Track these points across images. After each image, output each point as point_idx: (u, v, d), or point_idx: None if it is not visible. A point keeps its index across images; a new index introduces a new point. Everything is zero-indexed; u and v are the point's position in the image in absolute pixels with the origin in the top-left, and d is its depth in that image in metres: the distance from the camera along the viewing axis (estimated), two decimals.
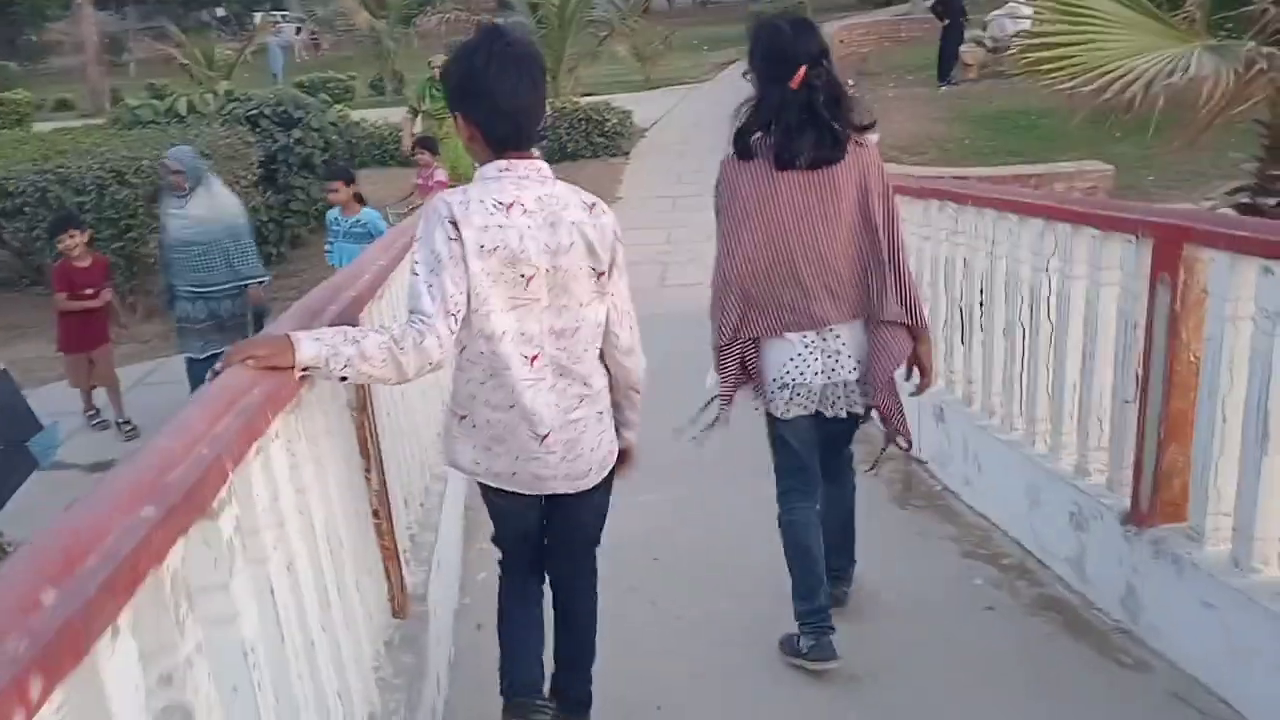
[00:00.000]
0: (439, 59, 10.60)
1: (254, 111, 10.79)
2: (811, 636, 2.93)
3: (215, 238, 5.87)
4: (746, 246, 2.75)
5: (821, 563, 2.97)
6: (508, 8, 18.61)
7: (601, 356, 2.34)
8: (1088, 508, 3.20)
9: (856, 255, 2.76)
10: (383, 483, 2.63)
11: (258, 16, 37.89)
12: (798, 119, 2.65)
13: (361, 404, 2.54)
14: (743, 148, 2.75)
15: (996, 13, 19.05)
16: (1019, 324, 3.65)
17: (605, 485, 2.45)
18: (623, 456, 2.48)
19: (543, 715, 2.49)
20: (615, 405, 2.42)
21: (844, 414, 2.86)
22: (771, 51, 2.72)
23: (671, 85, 23.14)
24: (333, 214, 6.67)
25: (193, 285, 5.95)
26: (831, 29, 25.93)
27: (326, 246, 6.77)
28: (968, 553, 3.68)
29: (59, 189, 8.56)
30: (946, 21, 18.51)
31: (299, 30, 34.39)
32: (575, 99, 16.18)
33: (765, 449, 3.04)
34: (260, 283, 6.16)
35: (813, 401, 2.83)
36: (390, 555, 2.63)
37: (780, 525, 3.01)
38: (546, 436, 2.24)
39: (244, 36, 22.97)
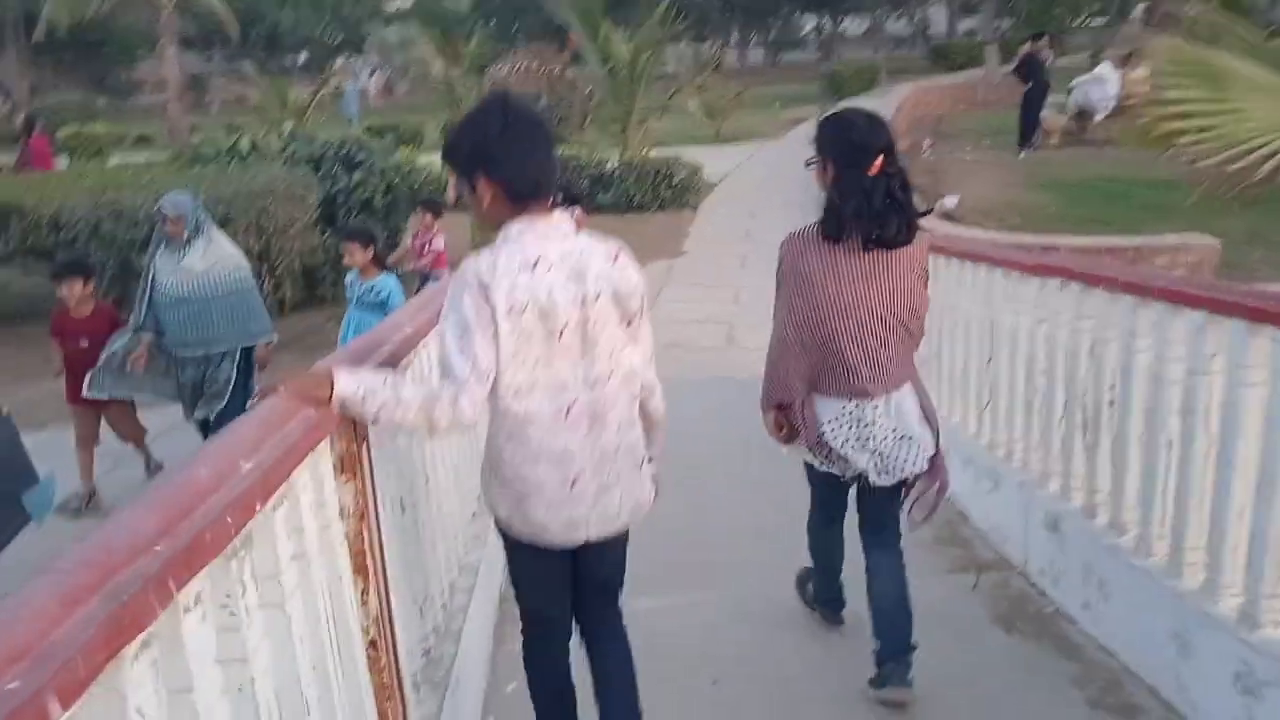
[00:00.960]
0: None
1: (318, 153, 10.57)
2: (829, 609, 3.52)
3: (215, 294, 5.33)
4: (810, 317, 2.94)
5: (839, 560, 3.42)
6: (579, 61, 18.45)
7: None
8: (1262, 670, 2.57)
9: (908, 331, 3.01)
10: (385, 604, 2.12)
11: (338, 62, 38.58)
12: (881, 204, 2.84)
13: (360, 510, 2.04)
14: (833, 229, 2.89)
15: (1081, 79, 18.47)
16: (1164, 431, 3.05)
17: (626, 531, 2.47)
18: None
19: None
20: (645, 434, 2.47)
21: (883, 481, 3.02)
22: (851, 142, 2.92)
23: (741, 141, 22.82)
24: (351, 276, 6.16)
25: (187, 346, 5.38)
26: (906, 91, 25.59)
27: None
28: (1093, 700, 3.05)
29: (112, 224, 8.34)
30: (1029, 85, 17.91)
31: (373, 73, 34.85)
32: (644, 152, 15.85)
33: None
34: (268, 343, 5.67)
35: (824, 458, 3.06)
36: (388, 693, 2.11)
37: (809, 532, 3.43)
38: (576, 481, 2.26)
39: (319, 80, 23.16)
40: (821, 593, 3.56)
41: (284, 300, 9.90)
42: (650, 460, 2.47)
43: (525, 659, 2.60)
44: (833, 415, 2.99)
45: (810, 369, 2.99)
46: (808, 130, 3.35)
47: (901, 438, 2.98)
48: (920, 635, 3.15)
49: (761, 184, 16.64)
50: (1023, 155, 17.42)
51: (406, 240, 8.52)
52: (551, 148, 2.30)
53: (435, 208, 8.34)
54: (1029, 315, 3.96)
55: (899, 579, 3.18)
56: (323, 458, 1.93)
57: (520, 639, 2.61)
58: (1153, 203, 13.87)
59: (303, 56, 46.73)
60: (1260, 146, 3.77)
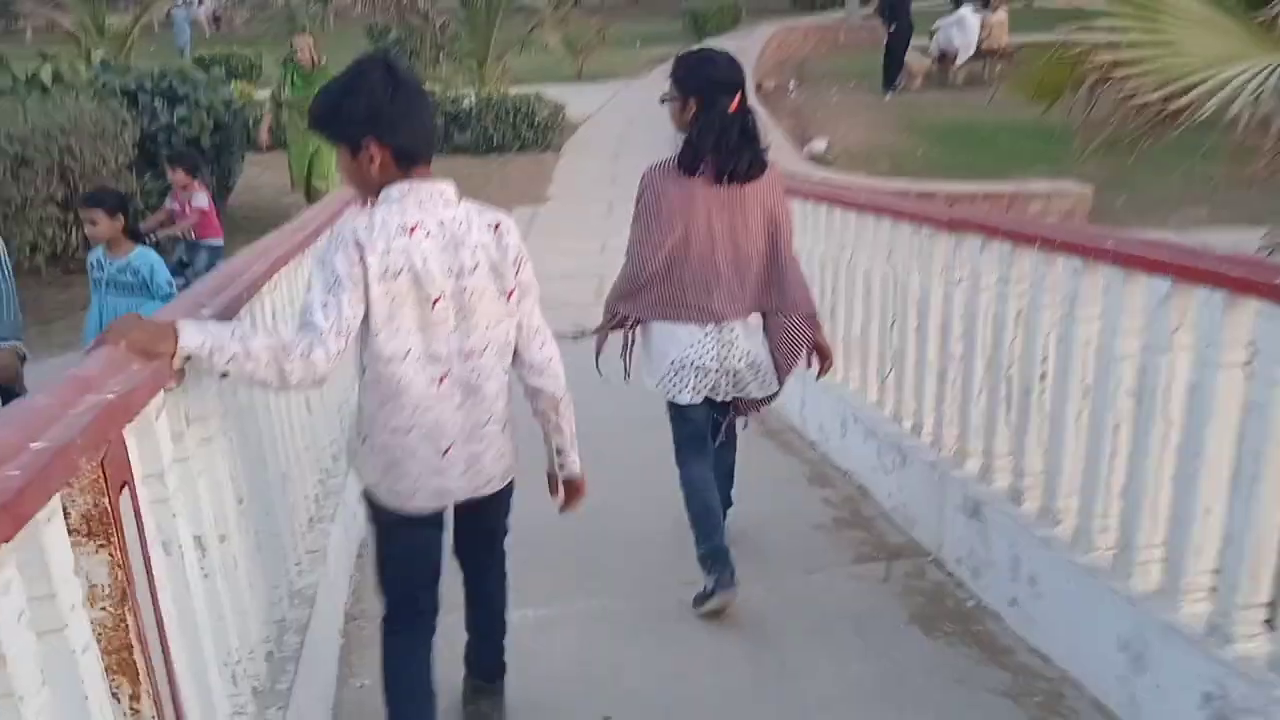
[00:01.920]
0: (303, 40, 9.67)
1: (133, 85, 9.39)
2: (714, 573, 3.23)
3: None
4: (668, 246, 3.09)
5: (718, 513, 3.35)
6: None
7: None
8: (1237, 694, 2.23)
9: (761, 260, 3.18)
10: (166, 699, 1.52)
11: None
12: (737, 140, 3.04)
13: (120, 593, 1.43)
14: (689, 162, 3.06)
15: (943, 21, 18.45)
16: (1111, 412, 2.68)
17: (506, 494, 2.46)
18: (570, 487, 2.56)
19: None
20: (544, 432, 2.50)
21: (729, 399, 3.30)
22: (713, 79, 3.07)
23: (604, 80, 22.04)
24: (94, 256, 4.92)
25: None
26: (768, 31, 25.24)
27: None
28: None
29: None
30: (893, 27, 17.80)
31: (201, 2, 32.26)
32: (503, 89, 14.99)
33: None
34: (13, 346, 3.95)
35: (704, 385, 3.21)
36: None
37: (681, 483, 3.37)
38: (449, 450, 2.25)
39: (141, 5, 21.05)
40: (705, 544, 3.27)
41: None
42: (562, 453, 2.52)
43: (384, 655, 2.41)
44: (692, 340, 3.17)
45: (666, 295, 3.15)
46: (669, 70, 3.24)
47: (753, 363, 3.21)
48: (831, 640, 3.09)
49: (626, 125, 16.00)
50: (888, 98, 17.35)
51: (169, 205, 7.42)
52: (431, 109, 2.29)
53: (188, 161, 7.32)
54: (943, 276, 3.56)
55: (732, 464, 3.62)
56: (52, 525, 1.31)
57: (380, 637, 2.42)
58: (1017, 148, 13.92)
59: None
60: (1200, 82, 3.43)
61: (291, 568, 2.72)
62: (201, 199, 7.27)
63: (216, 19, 33.65)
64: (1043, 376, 3.02)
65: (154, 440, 1.72)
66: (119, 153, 8.35)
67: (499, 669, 2.73)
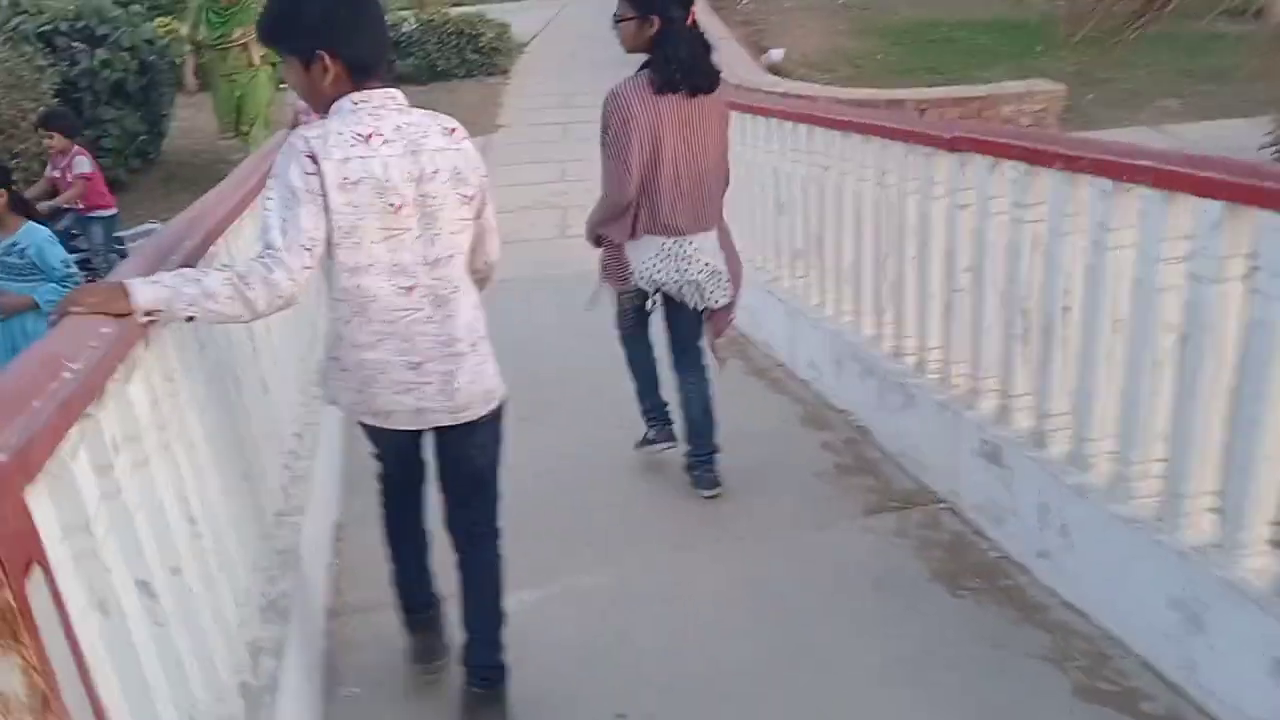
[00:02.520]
0: None
1: (47, 26, 8.73)
2: (655, 426, 3.70)
3: None
4: (638, 163, 3.15)
5: (654, 366, 3.67)
6: None
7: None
8: None
9: (716, 173, 3.32)
10: None
11: None
12: (698, 52, 3.13)
13: (40, 701, 1.15)
14: (669, 78, 3.11)
15: None
16: (1150, 349, 2.44)
17: (492, 424, 2.39)
18: None
19: (430, 614, 2.69)
20: None
21: (694, 307, 3.39)
22: None
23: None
24: None
25: None
26: None
27: None
28: (1082, 687, 2.48)
29: None
30: None
31: None
32: (444, 10, 14.30)
33: None
34: None
35: (650, 288, 3.37)
36: None
37: (624, 348, 3.65)
38: (422, 364, 2.20)
39: None
40: (648, 404, 3.72)
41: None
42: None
43: (382, 507, 2.60)
44: (655, 251, 3.29)
45: (640, 216, 3.25)
46: None
47: (713, 272, 3.33)
48: (852, 604, 2.91)
49: (575, 42, 15.36)
50: (842, 0, 16.79)
51: (49, 173, 6.86)
52: (384, 19, 2.24)
53: (62, 123, 6.71)
54: (944, 200, 3.28)
55: (705, 393, 3.56)
56: None
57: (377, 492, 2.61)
58: (977, 46, 13.59)
59: None
60: None
61: (260, 579, 2.43)
62: (84, 164, 6.75)
63: None
64: (1066, 309, 2.77)
65: (71, 486, 1.41)
66: (38, 102, 7.77)
67: (499, 672, 2.51)
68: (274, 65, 8.44)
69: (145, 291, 1.80)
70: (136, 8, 9.82)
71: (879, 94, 8.70)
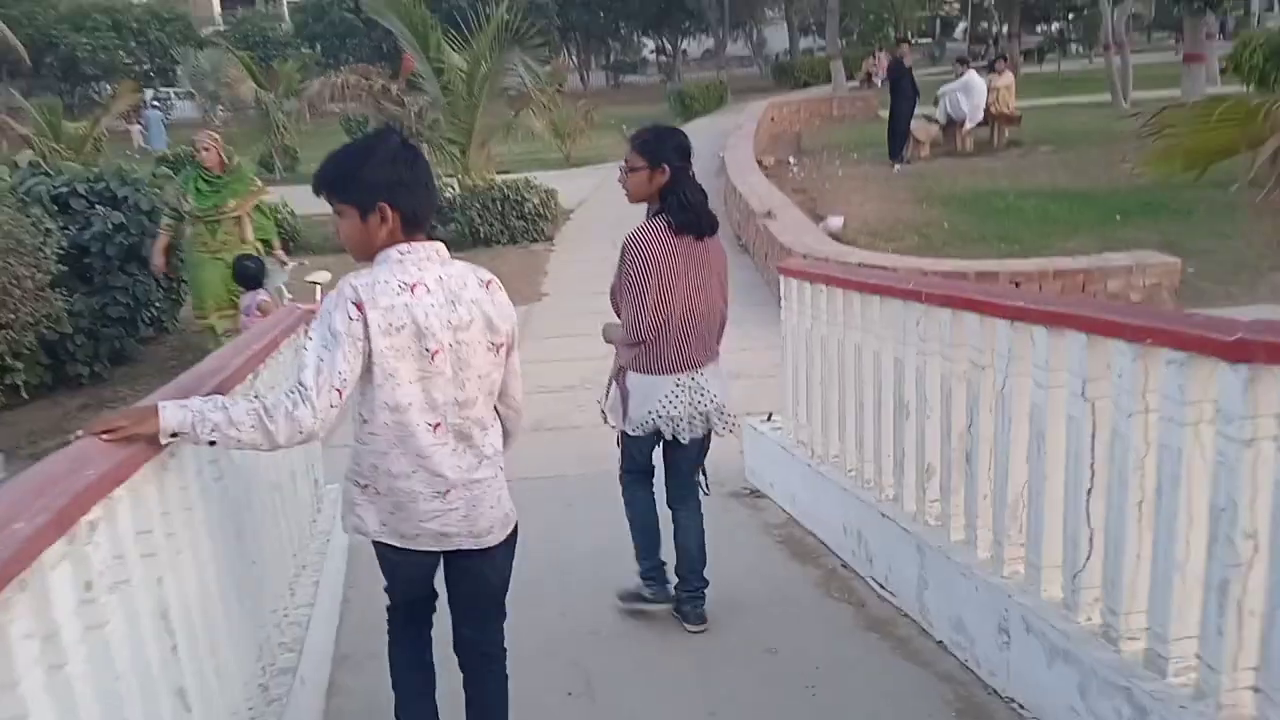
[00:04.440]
0: (207, 137, 7.54)
1: (64, 189, 8.15)
2: (653, 585, 3.73)
3: None
4: (653, 305, 3.37)
5: (656, 521, 3.72)
6: (415, 88, 16.24)
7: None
8: None
9: (718, 308, 3.56)
10: None
11: (149, 93, 34.98)
12: (703, 199, 3.45)
13: None
14: (692, 223, 3.41)
15: (948, 87, 17.58)
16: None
17: (508, 547, 2.54)
18: None
19: None
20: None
21: (699, 435, 3.57)
22: (683, 147, 3.44)
23: (592, 164, 21.05)
24: None
25: None
26: (761, 107, 24.45)
27: None
28: None
29: None
30: (895, 96, 16.88)
31: (165, 100, 31.43)
32: (490, 176, 13.86)
33: None
34: None
35: (668, 428, 3.51)
36: None
37: (626, 504, 3.74)
38: (448, 493, 2.35)
39: (105, 107, 20.02)
40: (648, 560, 3.71)
41: (18, 387, 7.47)
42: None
43: (389, 642, 2.64)
44: (670, 388, 3.47)
45: (654, 351, 3.44)
46: (632, 145, 3.49)
47: (719, 407, 3.56)
48: None
49: (621, 209, 14.83)
50: (896, 169, 16.31)
51: None
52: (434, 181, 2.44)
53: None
54: (1209, 428, 2.22)
55: (700, 526, 3.69)
56: None
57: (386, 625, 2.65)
58: (1047, 214, 12.80)
59: (110, 87, 42.55)
60: None
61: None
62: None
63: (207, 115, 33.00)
64: None
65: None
66: (35, 269, 7.04)
67: None
68: (265, 244, 7.65)
69: (173, 414, 2.00)
70: (188, 169, 9.13)
71: (964, 265, 7.80)
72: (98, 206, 8.15)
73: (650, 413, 3.47)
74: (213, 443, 2.06)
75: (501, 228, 13.02)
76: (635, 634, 3.68)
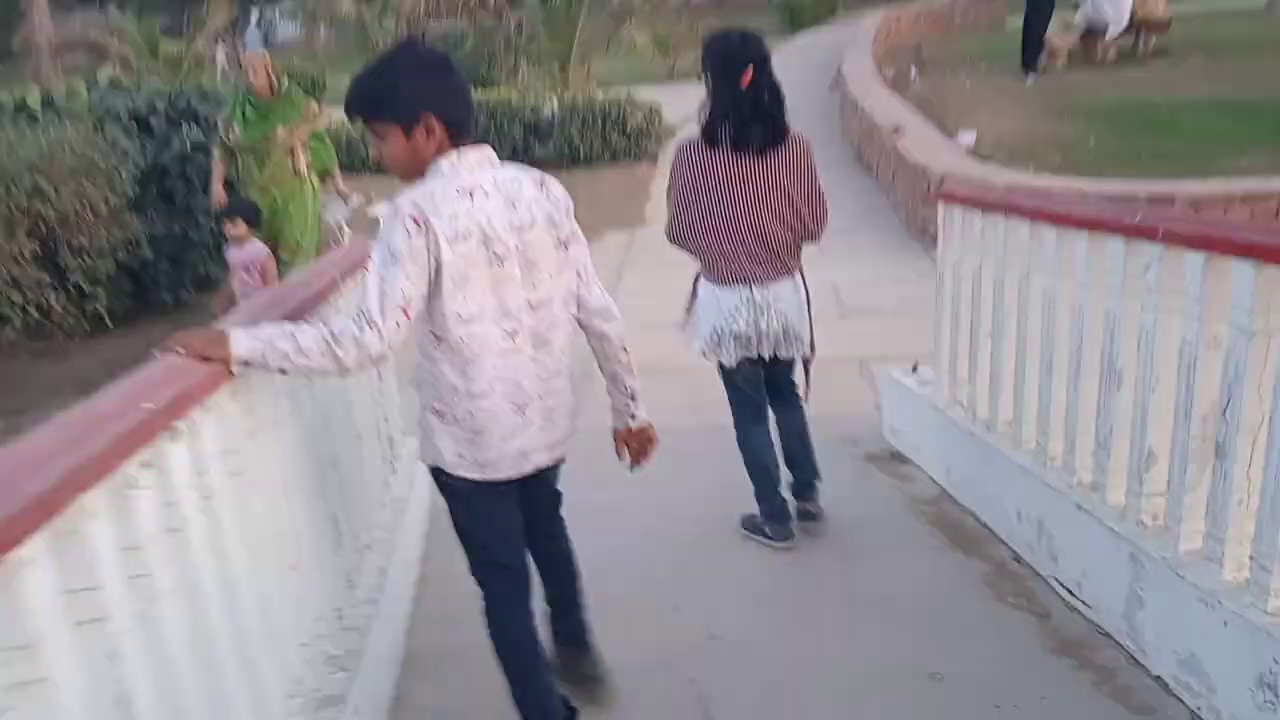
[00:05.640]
0: (256, 58, 6.69)
1: (143, 108, 7.71)
2: (776, 523, 3.56)
3: None
4: (696, 211, 3.34)
5: (776, 470, 3.59)
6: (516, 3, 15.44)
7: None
8: None
9: (788, 225, 3.35)
10: None
11: (253, 16, 34.86)
12: (749, 113, 3.23)
13: None
14: (710, 136, 3.29)
15: None
16: None
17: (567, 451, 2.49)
18: (643, 436, 2.56)
19: None
20: (611, 376, 2.51)
21: (775, 356, 3.47)
22: (724, 57, 3.25)
23: (697, 80, 20.01)
24: None
25: None
26: (876, 19, 22.86)
27: None
28: None
29: None
30: (1027, 4, 15.38)
31: (258, 22, 31.12)
32: (590, 93, 13.07)
33: None
34: None
35: (747, 346, 3.43)
36: None
37: (740, 446, 3.59)
38: (526, 407, 2.28)
39: (197, 25, 19.70)
40: (766, 503, 3.57)
41: (101, 315, 7.13)
42: (634, 399, 2.51)
43: (489, 622, 2.44)
44: (730, 305, 3.39)
45: (707, 261, 3.43)
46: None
47: (785, 327, 3.42)
48: None
49: None
50: (1030, 81, 14.90)
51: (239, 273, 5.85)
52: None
53: (250, 213, 5.98)
54: None
55: (803, 424, 3.66)
56: None
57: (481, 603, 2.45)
58: (1208, 130, 11.40)
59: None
60: None
61: None
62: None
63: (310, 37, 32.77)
64: None
65: None
66: (113, 190, 6.62)
67: (586, 631, 2.66)
68: (324, 174, 6.85)
69: (244, 343, 2.00)
70: None
71: (1132, 187, 6.77)
72: (182, 126, 7.71)
73: (715, 328, 3.41)
74: (283, 370, 2.06)
75: (603, 146, 12.28)
76: (762, 644, 3.02)
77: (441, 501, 2.42)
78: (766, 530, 3.57)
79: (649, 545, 3.67)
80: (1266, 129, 11.01)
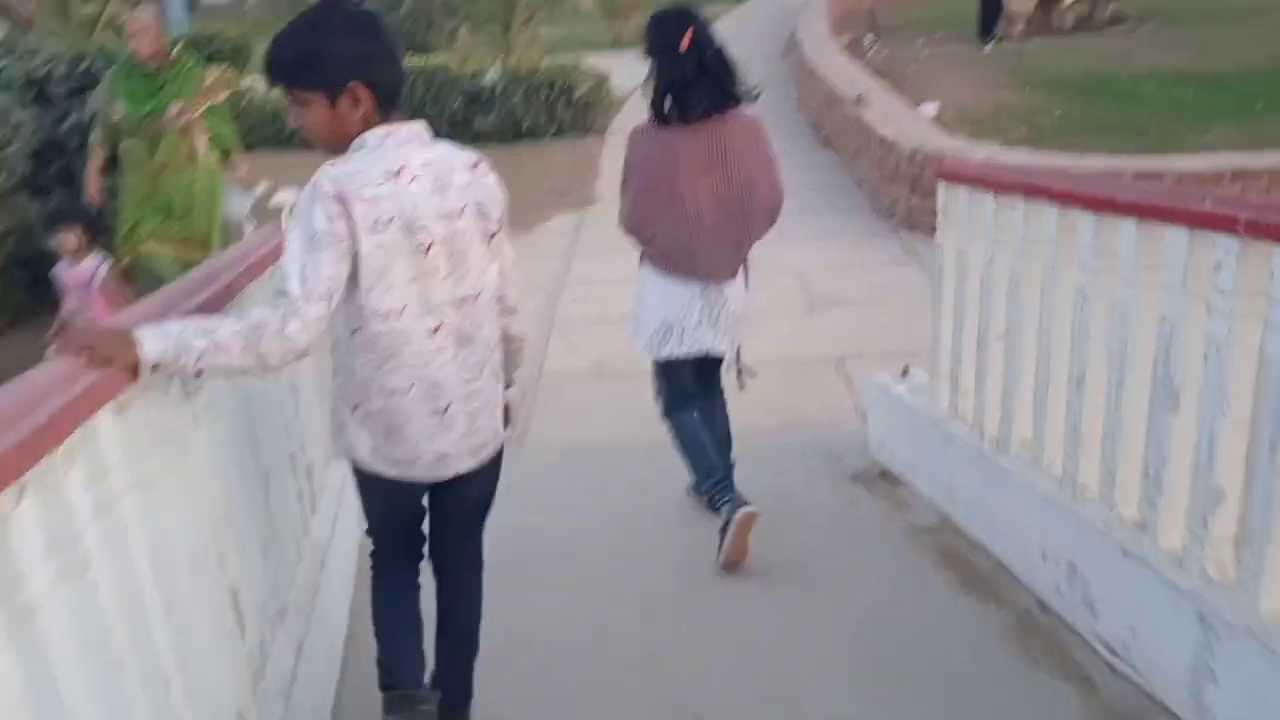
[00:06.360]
0: (142, 20, 5.44)
1: (40, 72, 6.96)
2: (723, 503, 3.25)
3: None
4: (653, 200, 3.23)
5: (712, 447, 3.40)
6: None
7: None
8: None
9: (741, 210, 3.23)
10: None
11: None
12: (693, 75, 3.11)
13: None
14: (659, 109, 3.17)
15: None
16: None
17: (498, 459, 2.34)
18: (509, 412, 2.42)
19: (426, 706, 2.35)
20: (505, 357, 2.37)
21: (717, 352, 3.39)
22: (661, 28, 3.17)
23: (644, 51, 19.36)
24: None
25: None
26: None
27: None
28: None
29: None
30: None
31: None
32: (536, 60, 12.41)
33: None
34: None
35: (688, 342, 3.31)
36: None
37: (672, 430, 3.46)
38: (448, 409, 2.14)
39: None
40: (707, 479, 3.38)
41: None
42: (509, 386, 2.38)
43: (373, 589, 2.38)
44: (684, 300, 3.27)
45: (661, 250, 3.28)
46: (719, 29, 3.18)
47: (735, 317, 3.35)
48: None
49: None
50: (988, 48, 14.56)
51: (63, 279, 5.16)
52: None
53: (89, 220, 5.27)
54: None
55: (729, 428, 3.57)
56: None
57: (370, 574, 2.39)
58: (1172, 100, 11.13)
59: None
60: None
61: None
62: (102, 266, 5.14)
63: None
64: None
65: None
66: (2, 170, 5.90)
67: (468, 694, 2.46)
68: (224, 155, 5.80)
69: (153, 345, 1.74)
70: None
71: (1117, 164, 6.37)
72: (86, 94, 6.97)
73: (665, 320, 3.30)
74: (199, 373, 1.86)
75: (548, 119, 11.65)
76: None
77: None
78: (725, 517, 3.20)
79: (612, 595, 3.17)
80: (1231, 102, 10.75)
